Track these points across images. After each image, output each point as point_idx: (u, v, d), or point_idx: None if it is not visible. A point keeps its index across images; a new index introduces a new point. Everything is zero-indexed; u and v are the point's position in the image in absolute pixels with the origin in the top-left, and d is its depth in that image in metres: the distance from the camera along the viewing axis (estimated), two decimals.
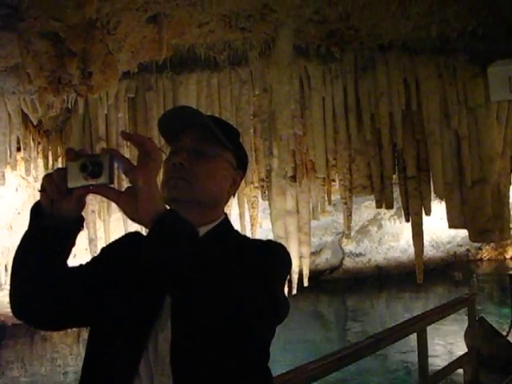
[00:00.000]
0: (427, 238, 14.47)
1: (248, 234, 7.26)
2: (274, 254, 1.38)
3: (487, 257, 17.77)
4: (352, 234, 14.26)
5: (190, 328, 1.19)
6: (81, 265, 1.40)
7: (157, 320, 1.27)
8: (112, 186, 1.17)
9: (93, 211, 6.68)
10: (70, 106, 5.89)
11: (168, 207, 1.20)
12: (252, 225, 7.19)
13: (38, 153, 6.28)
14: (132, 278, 1.31)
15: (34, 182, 8.14)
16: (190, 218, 1.23)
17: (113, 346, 1.28)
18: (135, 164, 1.17)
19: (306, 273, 6.67)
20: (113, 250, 1.44)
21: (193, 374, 1.21)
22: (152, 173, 1.15)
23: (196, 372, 1.21)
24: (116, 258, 1.39)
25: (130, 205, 1.15)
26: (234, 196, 1.57)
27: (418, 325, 4.71)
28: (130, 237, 1.46)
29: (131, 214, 1.16)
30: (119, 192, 1.17)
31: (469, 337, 5.83)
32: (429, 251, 14.96)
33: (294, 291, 6.63)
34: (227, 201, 1.49)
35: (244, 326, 1.16)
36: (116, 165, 1.17)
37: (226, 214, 1.47)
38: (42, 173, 6.66)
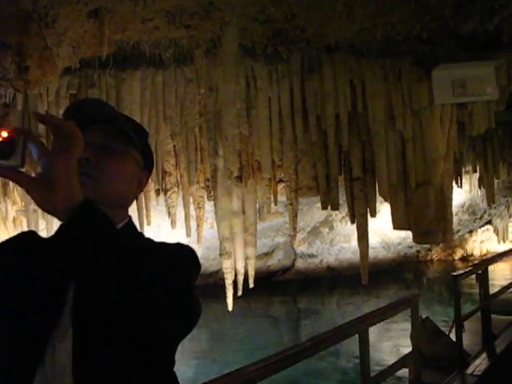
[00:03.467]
0: (378, 240, 14.72)
1: (194, 235, 7.17)
2: (181, 256, 1.30)
3: (437, 258, 18.13)
4: (304, 236, 14.34)
5: (96, 336, 1.11)
6: None
7: (55, 329, 1.15)
8: (23, 170, 1.06)
9: (34, 210, 6.49)
10: (8, 102, 5.67)
11: (86, 198, 1.10)
12: (198, 225, 7.10)
13: None
14: (24, 283, 1.19)
15: None
16: None
17: (4, 360, 1.17)
18: (50, 148, 1.07)
19: (251, 274, 6.62)
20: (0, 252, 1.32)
21: None
22: (72, 159, 1.05)
23: None
24: (4, 261, 1.27)
25: (41, 193, 1.05)
26: (136, 199, 1.50)
27: (360, 326, 4.69)
28: (22, 237, 1.35)
29: (42, 204, 1.06)
30: (30, 178, 1.06)
31: (412, 337, 5.87)
32: (380, 252, 15.19)
33: (240, 293, 6.56)
34: (132, 202, 1.42)
35: (154, 331, 1.12)
36: (31, 148, 1.06)
37: (130, 217, 1.39)
38: None
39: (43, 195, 1.04)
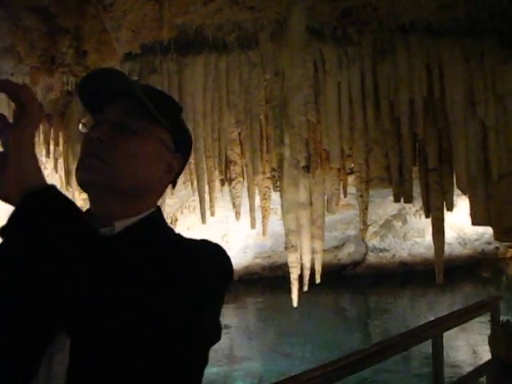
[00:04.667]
0: (454, 235, 14.06)
1: (259, 227, 6.95)
2: (205, 259, 1.05)
3: None
4: (376, 229, 13.93)
5: (90, 349, 0.93)
6: None
7: (53, 338, 0.98)
8: None
9: None
10: (70, 89, 5.61)
11: (47, 182, 0.93)
12: (263, 217, 6.87)
13: (39, 137, 6.02)
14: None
15: (44, 169, 7.98)
16: (107, 208, 1.06)
17: None
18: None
19: (318, 269, 6.35)
20: None
21: None
22: (24, 132, 0.89)
23: None
24: None
25: None
26: (173, 186, 1.24)
27: (434, 331, 4.31)
28: None
29: None
30: None
31: (492, 343, 5.41)
32: (455, 248, 14.56)
33: (305, 288, 6.31)
34: (161, 190, 1.18)
35: (152, 346, 0.92)
36: None
37: (158, 207, 1.17)
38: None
39: None
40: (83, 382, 0.95)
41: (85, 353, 0.94)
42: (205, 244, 1.10)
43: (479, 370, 5.09)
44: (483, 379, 5.31)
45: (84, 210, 1.10)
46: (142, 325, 0.90)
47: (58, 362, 0.97)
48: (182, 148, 1.19)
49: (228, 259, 1.09)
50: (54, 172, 6.70)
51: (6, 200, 0.90)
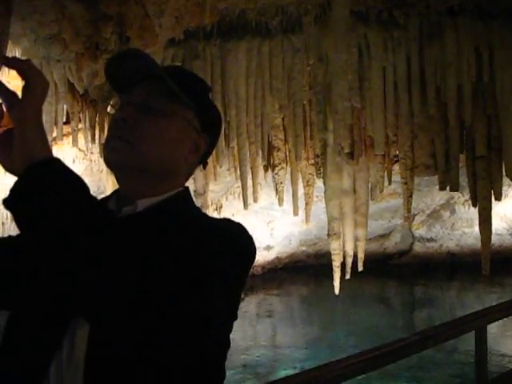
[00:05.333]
0: (504, 226, 13.68)
1: (302, 213, 6.93)
2: (223, 237, 1.04)
3: None
4: (423, 218, 13.70)
5: (108, 334, 0.95)
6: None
7: (71, 322, 0.99)
8: None
9: None
10: None
11: (52, 156, 0.95)
12: (307, 203, 6.84)
13: (84, 123, 6.13)
14: None
15: (91, 154, 8.13)
16: (131, 188, 1.07)
17: (20, 342, 1.02)
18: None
19: (360, 257, 6.30)
20: None
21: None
22: (29, 108, 0.92)
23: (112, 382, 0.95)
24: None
25: (4, 150, 0.94)
26: (204, 167, 1.24)
27: (477, 322, 4.20)
28: None
29: (5, 163, 0.95)
30: None
31: None
32: (506, 239, 14.17)
33: (348, 276, 6.26)
34: (189, 171, 1.18)
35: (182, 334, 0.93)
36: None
37: (186, 188, 1.17)
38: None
39: (5, 153, 0.94)
40: (101, 366, 0.95)
41: (103, 337, 0.95)
42: (225, 223, 1.09)
43: None
44: None
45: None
46: (157, 302, 0.90)
47: (81, 337, 0.98)
48: (209, 127, 1.18)
49: (249, 238, 1.08)
50: (100, 157, 6.83)
51: (13, 172, 0.92)
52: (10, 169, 0.94)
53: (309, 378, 2.98)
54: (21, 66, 0.93)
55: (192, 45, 5.60)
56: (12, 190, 0.91)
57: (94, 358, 0.95)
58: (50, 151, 0.94)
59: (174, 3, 4.84)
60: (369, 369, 3.25)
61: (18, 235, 1.07)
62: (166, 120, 1.10)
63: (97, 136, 6.16)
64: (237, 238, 1.07)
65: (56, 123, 5.83)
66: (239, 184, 8.62)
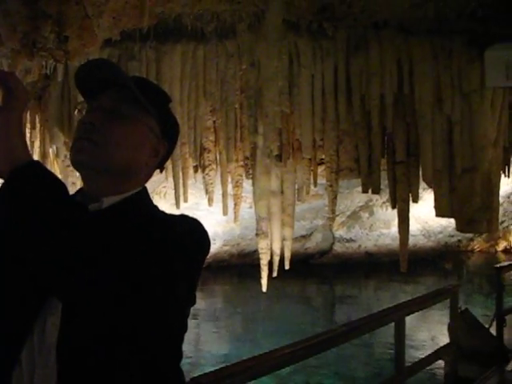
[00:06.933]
0: (418, 227, 14.38)
1: (231, 214, 7.09)
2: (182, 231, 1.17)
3: (478, 248, 17.65)
4: (343, 219, 14.12)
5: (79, 314, 1.03)
6: None
7: (47, 300, 1.06)
8: None
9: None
10: (48, 73, 5.65)
11: (33, 159, 1.07)
12: (235, 204, 7.00)
13: None
14: None
15: None
16: (97, 186, 1.15)
17: None
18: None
19: (287, 255, 6.50)
20: None
21: (81, 368, 1.03)
22: (12, 114, 1.03)
23: (85, 366, 1.03)
24: None
25: None
26: (161, 171, 1.36)
27: (397, 314, 4.53)
28: None
29: None
30: None
31: (450, 329, 5.67)
32: (419, 240, 14.84)
33: (275, 274, 6.47)
34: (147, 172, 1.28)
35: (143, 319, 1.04)
36: None
37: (144, 187, 1.27)
38: None
39: None
40: (73, 345, 1.03)
41: (75, 317, 1.04)
42: (183, 218, 1.20)
43: (437, 353, 5.34)
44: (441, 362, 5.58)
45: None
46: (124, 289, 1.02)
47: (51, 324, 1.05)
48: (168, 135, 1.30)
49: (205, 232, 1.21)
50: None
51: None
52: None
53: (245, 368, 3.14)
54: (5, 77, 1.03)
55: (128, 46, 5.64)
56: (1, 191, 1.02)
57: (65, 343, 1.02)
58: (29, 153, 1.06)
59: (112, 4, 4.90)
60: (301, 358, 3.46)
61: None
62: (131, 125, 1.19)
63: (28, 134, 6.09)
64: (193, 232, 1.18)
65: None
66: (165, 184, 8.67)
